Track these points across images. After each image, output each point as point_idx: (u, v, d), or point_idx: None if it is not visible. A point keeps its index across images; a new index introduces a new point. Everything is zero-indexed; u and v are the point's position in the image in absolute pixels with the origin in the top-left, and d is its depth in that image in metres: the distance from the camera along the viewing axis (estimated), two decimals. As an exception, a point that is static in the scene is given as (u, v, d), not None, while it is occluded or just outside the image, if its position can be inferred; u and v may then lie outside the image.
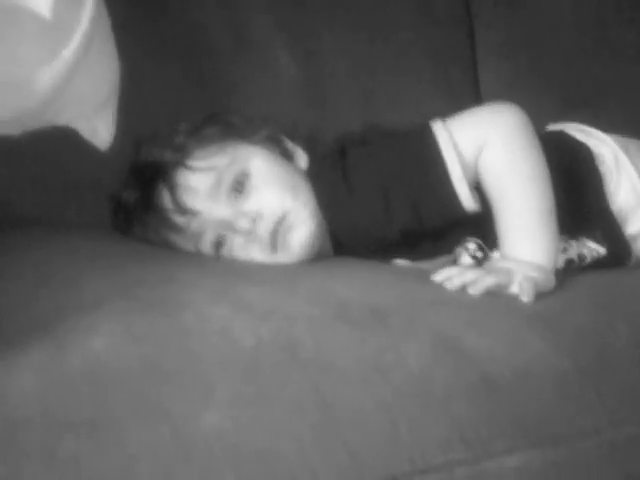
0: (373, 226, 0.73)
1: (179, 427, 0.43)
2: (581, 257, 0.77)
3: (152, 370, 0.46)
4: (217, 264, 0.71)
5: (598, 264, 0.78)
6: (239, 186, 0.74)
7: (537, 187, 0.70)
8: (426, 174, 0.71)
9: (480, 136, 0.72)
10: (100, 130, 0.81)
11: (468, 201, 0.70)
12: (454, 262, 0.78)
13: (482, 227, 0.74)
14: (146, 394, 0.44)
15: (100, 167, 0.84)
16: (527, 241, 0.69)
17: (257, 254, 0.73)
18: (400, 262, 0.78)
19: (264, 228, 0.72)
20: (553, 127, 0.91)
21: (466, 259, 0.77)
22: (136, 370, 0.46)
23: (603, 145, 0.84)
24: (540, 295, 0.63)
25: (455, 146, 0.71)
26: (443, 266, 0.76)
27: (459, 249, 0.77)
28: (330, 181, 0.75)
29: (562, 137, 0.86)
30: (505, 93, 1.11)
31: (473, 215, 0.72)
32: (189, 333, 0.50)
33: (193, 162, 0.74)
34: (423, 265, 0.78)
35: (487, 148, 0.71)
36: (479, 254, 0.77)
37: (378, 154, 0.75)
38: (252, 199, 0.74)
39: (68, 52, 0.71)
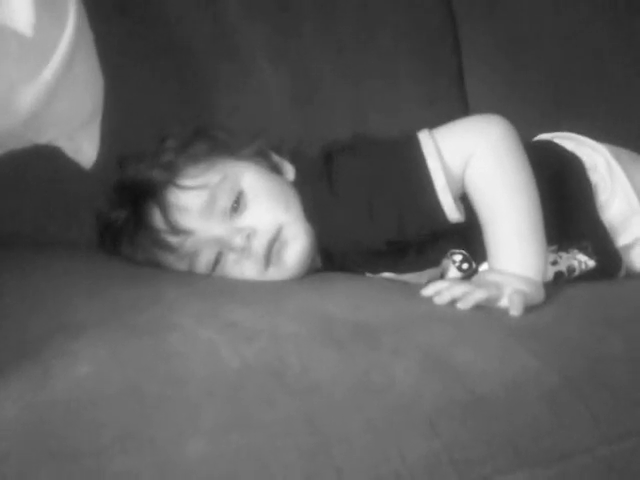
0: (358, 235, 0.73)
1: (163, 455, 0.42)
2: (570, 269, 0.77)
3: (136, 396, 0.45)
4: (204, 284, 0.70)
5: (588, 276, 0.78)
6: (233, 203, 0.73)
7: (524, 199, 0.69)
8: (410, 183, 0.71)
9: (467, 147, 0.71)
10: (84, 148, 0.80)
11: (452, 211, 0.70)
12: (441, 274, 0.78)
13: (468, 239, 0.74)
14: (129, 421, 0.44)
15: (84, 184, 0.83)
16: (515, 254, 0.68)
17: (250, 270, 0.73)
18: (387, 275, 0.78)
19: (259, 244, 0.72)
20: (543, 136, 0.91)
21: (453, 271, 0.77)
22: (120, 397, 0.45)
23: (595, 153, 0.84)
24: (530, 308, 0.63)
25: (440, 156, 0.70)
26: (430, 278, 0.76)
27: (446, 261, 0.77)
28: (315, 189, 0.75)
29: (551, 146, 0.86)
30: (492, 101, 1.12)
31: (459, 226, 0.71)
32: (174, 356, 0.50)
33: (184, 181, 0.74)
34: (410, 277, 0.77)
35: (474, 159, 0.71)
36: (465, 266, 0.76)
37: (363, 162, 0.74)
38: (246, 215, 0.73)
39: (49, 70, 0.71)
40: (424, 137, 0.72)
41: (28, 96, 0.69)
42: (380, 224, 0.71)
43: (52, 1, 0.74)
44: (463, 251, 0.76)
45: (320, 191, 0.74)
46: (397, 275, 0.78)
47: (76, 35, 0.74)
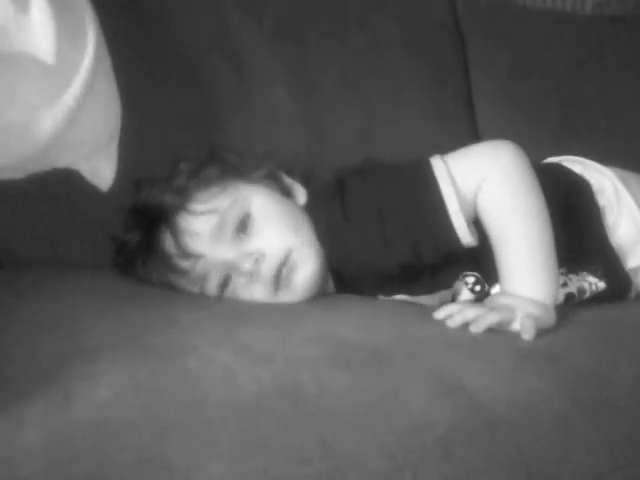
0: (372, 260, 0.73)
1: (182, 478, 0.43)
2: (581, 291, 0.77)
3: (155, 421, 0.46)
4: (219, 306, 0.71)
5: (598, 298, 0.78)
6: (242, 227, 0.74)
7: (536, 223, 0.70)
8: (423, 208, 0.72)
9: (479, 172, 0.72)
10: (102, 170, 0.81)
11: (465, 235, 0.71)
12: (453, 296, 0.78)
13: (481, 261, 0.75)
14: (149, 446, 0.44)
15: (101, 207, 0.84)
16: (527, 277, 0.69)
17: (259, 294, 0.73)
18: (400, 297, 0.78)
19: (267, 268, 0.73)
20: (551, 160, 0.91)
21: (466, 293, 0.77)
22: (139, 422, 0.46)
23: (602, 177, 0.85)
24: (541, 332, 0.63)
25: (453, 181, 0.71)
26: (442, 300, 0.76)
27: (458, 283, 0.77)
28: (328, 214, 0.76)
29: (560, 169, 0.87)
30: (500, 121, 1.13)
31: (471, 249, 0.72)
32: (192, 380, 0.50)
33: (195, 206, 0.75)
34: (423, 300, 0.78)
35: (486, 184, 0.72)
36: (478, 288, 0.77)
37: (376, 187, 0.75)
38: (255, 239, 0.74)
39: (69, 96, 0.72)
40: (436, 162, 0.73)
41: (48, 121, 0.71)
42: (393, 248, 0.72)
43: (72, 26, 0.76)
44: (476, 273, 0.77)
45: (333, 215, 0.75)
46: (409, 297, 0.78)
47: (95, 60, 0.76)
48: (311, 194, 0.82)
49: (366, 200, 0.75)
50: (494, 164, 0.72)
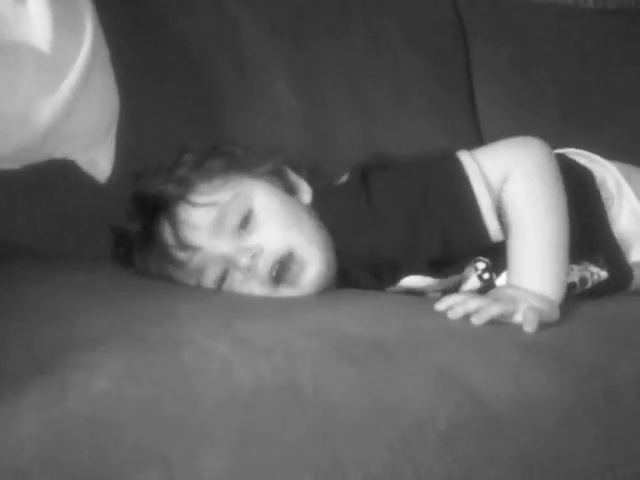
0: (399, 253, 0.73)
1: (176, 473, 0.42)
2: (583, 281, 0.77)
3: (151, 414, 0.45)
4: (217, 298, 0.70)
5: (599, 288, 0.78)
6: (242, 222, 0.73)
7: (555, 220, 0.70)
8: (456, 204, 0.72)
9: (506, 167, 0.73)
10: (99, 162, 0.81)
11: (496, 231, 0.71)
12: (459, 282, 0.78)
13: (492, 249, 0.74)
14: (144, 439, 0.44)
15: (98, 198, 0.83)
16: (536, 272, 0.69)
17: (257, 290, 0.72)
18: (409, 280, 0.77)
19: (263, 264, 0.71)
20: (556, 151, 0.91)
21: (473, 280, 0.77)
22: (135, 415, 0.45)
23: (605, 170, 0.85)
24: (543, 326, 0.62)
25: (485, 177, 0.71)
26: (446, 287, 0.76)
27: (468, 268, 0.77)
28: (351, 210, 0.75)
29: (566, 161, 0.86)
30: (502, 116, 1.12)
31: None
32: (188, 373, 0.50)
33: (196, 197, 0.74)
34: (428, 286, 0.77)
35: (511, 180, 0.72)
36: (486, 276, 0.77)
37: (404, 181, 0.75)
38: (254, 235, 0.73)
39: (67, 86, 0.71)
40: (465, 157, 0.73)
41: (45, 111, 0.70)
42: (423, 243, 0.72)
43: (69, 17, 0.75)
44: (487, 260, 0.76)
45: (357, 211, 0.74)
46: (419, 279, 0.77)
47: (93, 51, 0.75)
48: (319, 192, 0.81)
49: (395, 196, 0.74)
50: (520, 160, 0.73)
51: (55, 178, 0.83)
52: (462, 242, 0.72)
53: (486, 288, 0.74)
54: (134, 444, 0.43)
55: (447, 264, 0.76)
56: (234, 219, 0.73)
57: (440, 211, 0.72)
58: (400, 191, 0.74)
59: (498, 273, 0.76)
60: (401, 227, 0.72)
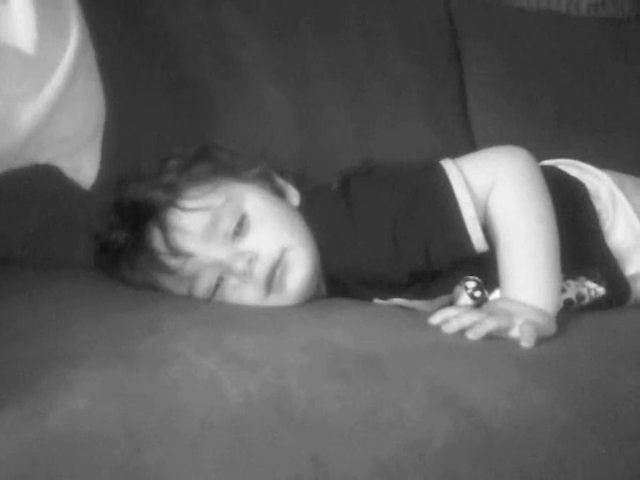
0: (382, 267, 0.71)
1: (162, 496, 0.40)
2: (580, 297, 0.75)
3: (133, 433, 0.43)
4: (204, 310, 0.68)
5: (597, 304, 0.76)
6: (236, 226, 0.71)
7: (544, 230, 0.69)
8: (439, 214, 0.70)
9: (490, 176, 0.71)
10: (84, 167, 0.78)
11: (480, 242, 0.69)
12: (451, 301, 0.76)
13: (481, 266, 0.72)
14: (126, 460, 0.41)
15: (83, 205, 0.81)
16: (529, 284, 0.67)
17: (250, 296, 0.71)
18: (397, 301, 0.76)
19: (260, 269, 0.70)
20: (546, 162, 0.89)
21: (465, 298, 0.75)
22: (117, 434, 0.43)
23: (598, 182, 0.83)
24: (540, 340, 0.61)
25: (468, 186, 0.70)
26: (440, 305, 0.74)
27: (458, 288, 0.75)
28: (331, 217, 0.74)
29: (556, 173, 0.85)
30: (496, 125, 1.11)
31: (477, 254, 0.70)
32: (174, 390, 0.48)
33: (185, 202, 0.72)
34: (420, 304, 0.75)
35: (496, 190, 0.70)
36: (478, 294, 0.74)
37: (387, 191, 0.73)
38: (248, 239, 0.71)
39: (51, 88, 0.69)
40: (450, 166, 0.71)
41: (29, 114, 0.68)
42: (405, 255, 0.70)
43: (54, 17, 0.73)
44: (477, 278, 0.74)
45: (337, 219, 0.72)
46: (407, 301, 0.75)
47: (78, 53, 0.73)
48: (306, 195, 0.79)
49: (376, 204, 0.72)
50: (505, 169, 0.71)
51: (38, 184, 0.81)
52: (445, 252, 0.70)
53: (480, 305, 0.72)
54: (116, 465, 0.41)
55: (433, 280, 0.74)
56: (229, 223, 0.71)
57: (422, 220, 0.70)
58: (382, 202, 0.72)
59: (490, 290, 0.74)
60: (382, 238, 0.70)
